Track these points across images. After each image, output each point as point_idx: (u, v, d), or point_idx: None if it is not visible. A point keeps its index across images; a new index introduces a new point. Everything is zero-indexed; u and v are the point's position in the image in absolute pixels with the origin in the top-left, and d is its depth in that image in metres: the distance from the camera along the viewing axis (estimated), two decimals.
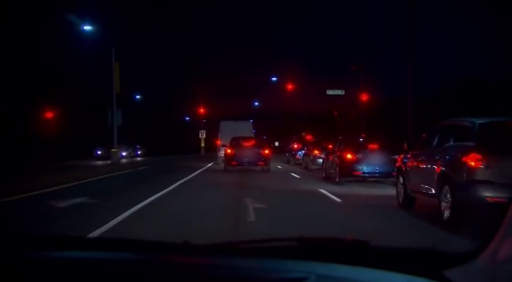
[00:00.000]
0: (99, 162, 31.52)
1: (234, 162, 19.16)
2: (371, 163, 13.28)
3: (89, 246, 1.34)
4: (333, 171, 14.51)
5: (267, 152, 19.32)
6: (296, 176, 17.98)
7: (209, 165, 26.51)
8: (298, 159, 26.89)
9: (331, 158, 15.07)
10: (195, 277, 1.07)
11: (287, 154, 31.32)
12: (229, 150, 19.60)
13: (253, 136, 23.91)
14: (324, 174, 16.03)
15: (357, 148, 13.89)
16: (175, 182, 14.27)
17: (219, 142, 26.68)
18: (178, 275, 1.09)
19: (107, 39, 24.45)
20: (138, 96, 59.04)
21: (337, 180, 13.84)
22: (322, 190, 12.02)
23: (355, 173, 13.36)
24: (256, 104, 55.16)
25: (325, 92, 37.46)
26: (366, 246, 1.15)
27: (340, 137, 15.99)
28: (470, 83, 33.67)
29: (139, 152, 56.98)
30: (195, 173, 19.52)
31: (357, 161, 13.38)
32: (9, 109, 32.77)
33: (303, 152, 25.87)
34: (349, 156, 13.47)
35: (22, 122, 36.17)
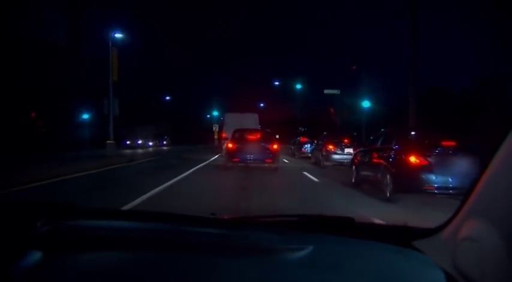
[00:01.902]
0: (128, 151, 28.81)
1: (237, 159, 12.72)
2: (449, 171, 6.48)
3: (125, 217, 1.24)
4: (374, 177, 7.96)
5: (275, 147, 12.75)
6: (311, 177, 11.48)
7: (215, 157, 20.60)
8: (304, 153, 21.82)
9: (373, 160, 8.30)
10: (218, 245, 0.98)
11: (292, 147, 25.06)
12: (230, 145, 13.08)
13: (259, 129, 17.26)
14: (354, 180, 9.44)
15: (425, 147, 6.94)
16: (157, 187, 8.33)
17: (224, 135, 20.40)
18: (204, 243, 0.99)
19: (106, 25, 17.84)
20: (168, 98, 62.11)
21: (388, 195, 7.13)
22: (368, 213, 5.83)
23: (427, 187, 6.55)
24: (262, 105, 50.96)
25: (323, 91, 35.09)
26: (352, 222, 1.15)
27: (387, 130, 8.76)
28: (433, 92, 31.04)
29: (164, 142, 56.39)
30: (193, 169, 13.53)
31: (428, 168, 6.58)
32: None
33: (311, 145, 20.77)
34: (413, 159, 6.72)
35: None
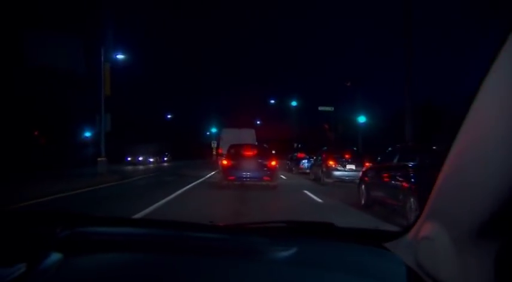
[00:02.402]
0: (129, 168, 28.06)
1: (232, 177, 11.00)
2: None
3: (133, 224, 1.27)
4: (392, 200, 6.28)
5: (273, 163, 11.11)
6: (313, 196, 9.84)
7: (212, 173, 18.97)
8: (301, 169, 20.38)
9: (390, 180, 6.59)
10: (216, 248, 1.01)
11: (289, 162, 23.48)
12: (225, 162, 11.43)
13: (256, 144, 15.58)
14: (363, 201, 7.78)
15: None
16: (140, 211, 6.65)
17: (221, 150, 18.71)
18: (204, 246, 1.02)
19: (98, 40, 16.34)
20: (169, 116, 61.20)
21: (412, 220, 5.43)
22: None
23: None
24: (258, 122, 49.82)
25: (317, 108, 34.27)
26: (332, 226, 1.19)
27: (404, 144, 6.80)
28: (426, 109, 30.35)
29: (165, 158, 55.10)
30: (186, 187, 11.80)
31: None
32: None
33: (308, 161, 19.51)
34: None
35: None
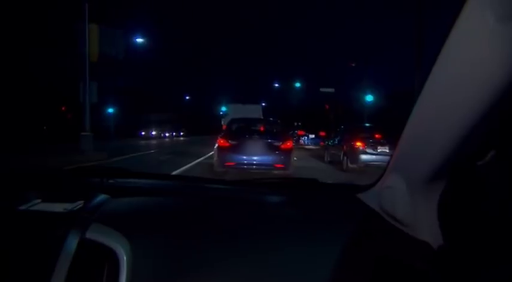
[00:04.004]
0: (143, 142, 24.77)
1: (230, 163, 6.33)
2: None
3: (160, 178, 1.29)
4: None
5: (288, 144, 6.40)
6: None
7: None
8: (301, 145, 19.78)
9: None
10: (224, 196, 1.05)
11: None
12: (222, 141, 6.56)
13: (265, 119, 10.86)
14: None
15: None
16: None
17: (225, 127, 13.90)
18: (216, 194, 1.09)
19: None
20: (187, 97, 60.05)
21: None
22: None
23: None
24: (264, 104, 45.47)
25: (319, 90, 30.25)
26: (316, 181, 1.21)
27: None
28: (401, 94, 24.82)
29: (181, 133, 52.23)
30: (178, 170, 7.87)
31: None
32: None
33: (308, 138, 19.49)
34: None
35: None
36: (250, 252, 0.73)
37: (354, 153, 8.67)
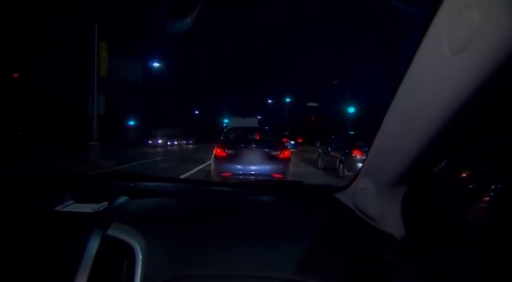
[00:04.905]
0: (145, 150, 23.58)
1: (227, 173, 5.32)
2: None
3: (175, 181, 1.33)
4: None
5: (286, 153, 5.68)
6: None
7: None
8: None
9: None
10: (226, 197, 1.08)
11: None
12: (219, 150, 5.63)
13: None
14: None
15: None
16: None
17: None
18: (219, 195, 1.10)
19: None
20: (196, 112, 62.36)
21: None
22: None
23: None
24: (259, 117, 47.30)
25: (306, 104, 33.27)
26: (302, 183, 1.21)
27: None
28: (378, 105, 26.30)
29: (191, 142, 53.50)
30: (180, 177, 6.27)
31: None
32: None
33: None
34: None
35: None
36: (249, 243, 0.77)
37: (351, 161, 7.93)
